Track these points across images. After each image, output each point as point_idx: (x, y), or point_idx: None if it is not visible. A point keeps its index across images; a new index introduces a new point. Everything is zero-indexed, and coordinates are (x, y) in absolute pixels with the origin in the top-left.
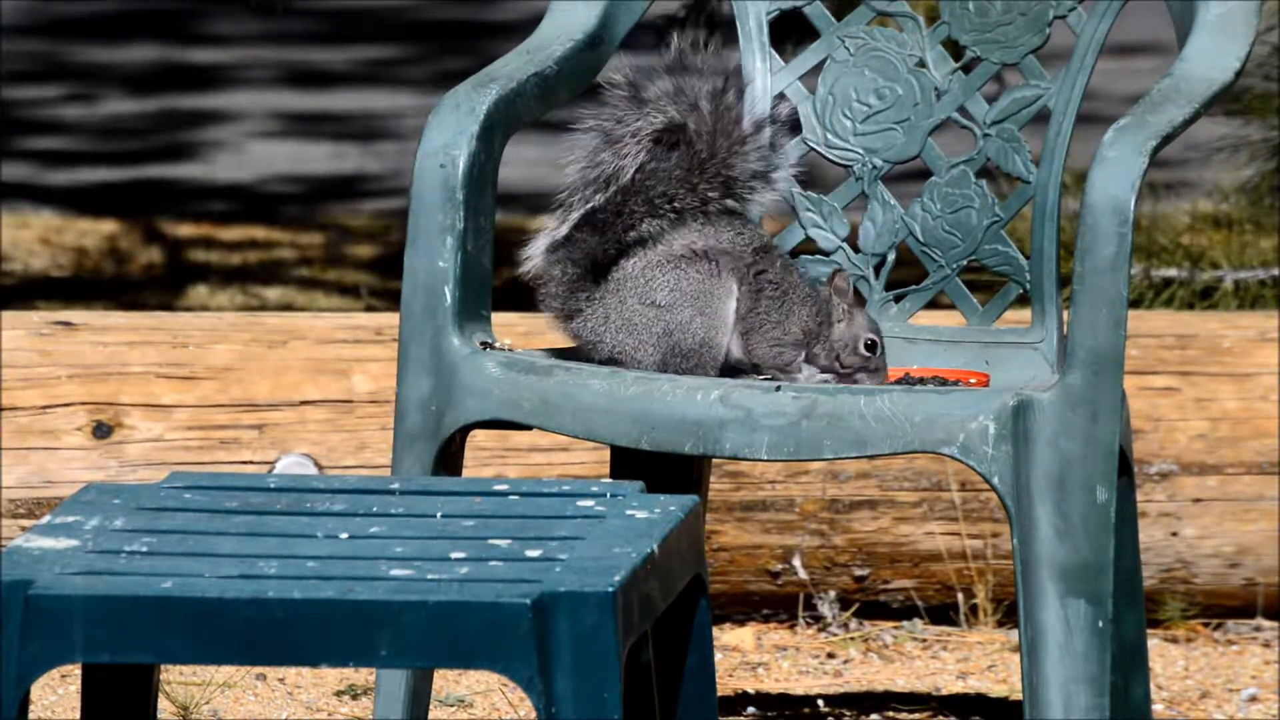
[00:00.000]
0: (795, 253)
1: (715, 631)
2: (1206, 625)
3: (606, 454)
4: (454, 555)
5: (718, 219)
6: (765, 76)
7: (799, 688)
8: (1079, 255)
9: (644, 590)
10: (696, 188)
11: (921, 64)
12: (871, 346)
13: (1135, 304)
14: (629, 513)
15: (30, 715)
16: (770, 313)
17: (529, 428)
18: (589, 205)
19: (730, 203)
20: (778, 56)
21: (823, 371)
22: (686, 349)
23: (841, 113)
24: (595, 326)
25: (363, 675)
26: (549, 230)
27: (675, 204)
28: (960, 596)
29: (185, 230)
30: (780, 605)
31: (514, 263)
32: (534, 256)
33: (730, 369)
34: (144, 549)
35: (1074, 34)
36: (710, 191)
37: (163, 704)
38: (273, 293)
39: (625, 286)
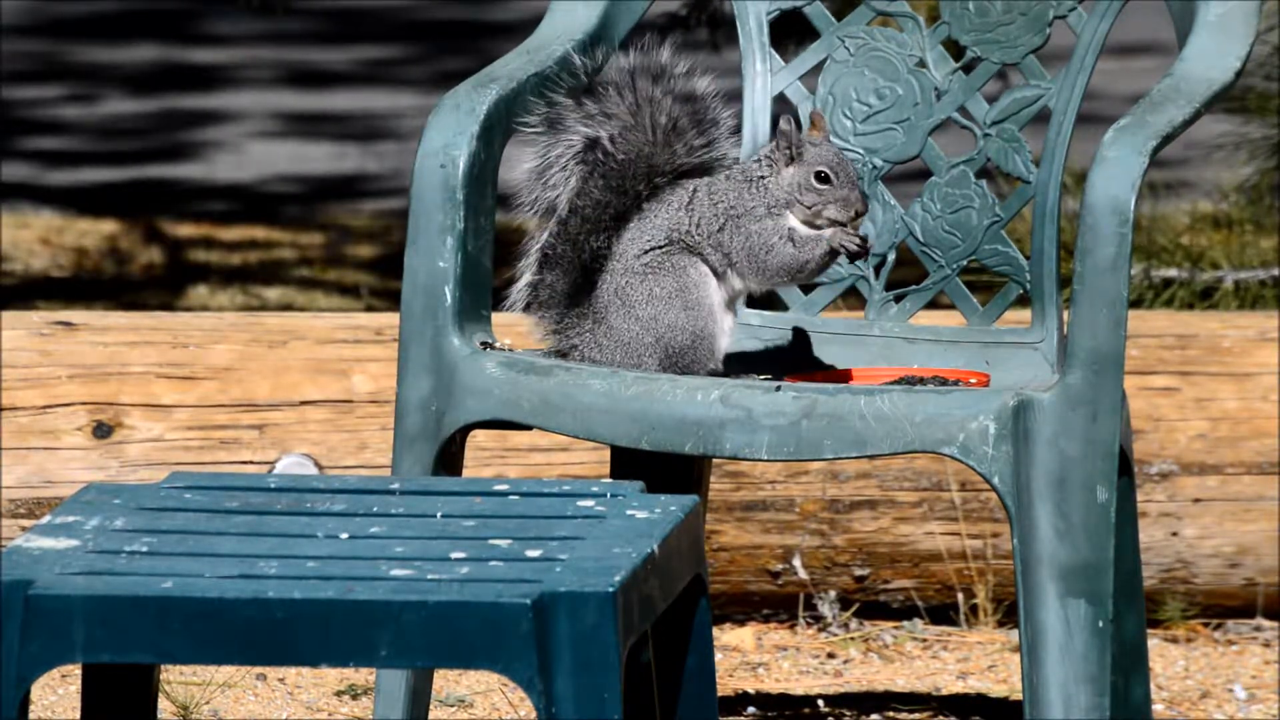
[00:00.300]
0: None
1: (715, 631)
2: (1207, 625)
3: (607, 454)
4: (454, 555)
5: (648, 207)
6: (766, 77)
7: (799, 688)
8: (1079, 255)
9: (644, 590)
10: (626, 190)
11: (922, 64)
12: (823, 178)
13: (1135, 304)
14: (629, 513)
15: (30, 715)
16: (733, 240)
17: (529, 428)
18: (539, 245)
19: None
20: (778, 56)
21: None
22: (680, 347)
23: (842, 113)
24: (593, 356)
25: (363, 675)
26: (518, 284)
27: (610, 210)
28: (960, 596)
29: (185, 230)
30: (780, 605)
31: (514, 263)
32: (519, 310)
33: (729, 368)
34: (144, 549)
35: (1074, 34)
36: (639, 186)
37: (163, 704)
38: (273, 293)
39: (607, 310)
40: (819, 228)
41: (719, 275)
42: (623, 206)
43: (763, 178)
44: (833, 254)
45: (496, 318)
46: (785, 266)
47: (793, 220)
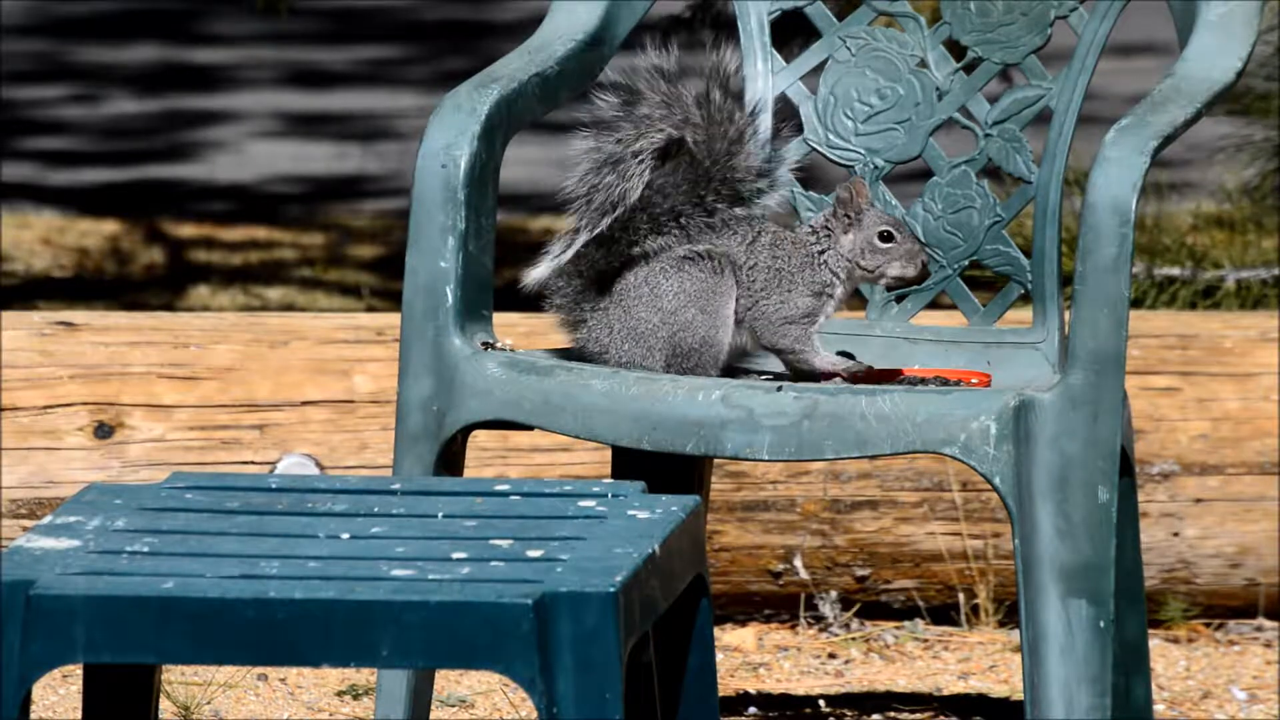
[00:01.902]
0: None
1: (716, 632)
2: (1208, 625)
3: (608, 454)
4: (455, 555)
5: (712, 221)
6: (767, 77)
7: (800, 688)
8: (1080, 255)
9: (645, 590)
10: (704, 200)
11: (923, 64)
12: (887, 237)
13: (1138, 303)
14: (630, 513)
15: (32, 715)
16: (770, 294)
17: (530, 428)
18: (596, 230)
19: (738, 210)
20: (779, 57)
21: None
22: (688, 348)
23: (843, 113)
24: (600, 337)
25: (364, 675)
26: (554, 254)
27: (681, 219)
28: (961, 597)
29: (187, 230)
30: (781, 605)
31: (515, 263)
32: (539, 279)
33: (731, 370)
34: (145, 549)
35: (1075, 34)
36: (717, 202)
37: (164, 704)
38: (274, 293)
39: (629, 296)
40: (889, 288)
41: (738, 319)
42: (692, 216)
43: (821, 252)
44: (828, 376)
45: (497, 317)
46: (776, 338)
47: (819, 324)
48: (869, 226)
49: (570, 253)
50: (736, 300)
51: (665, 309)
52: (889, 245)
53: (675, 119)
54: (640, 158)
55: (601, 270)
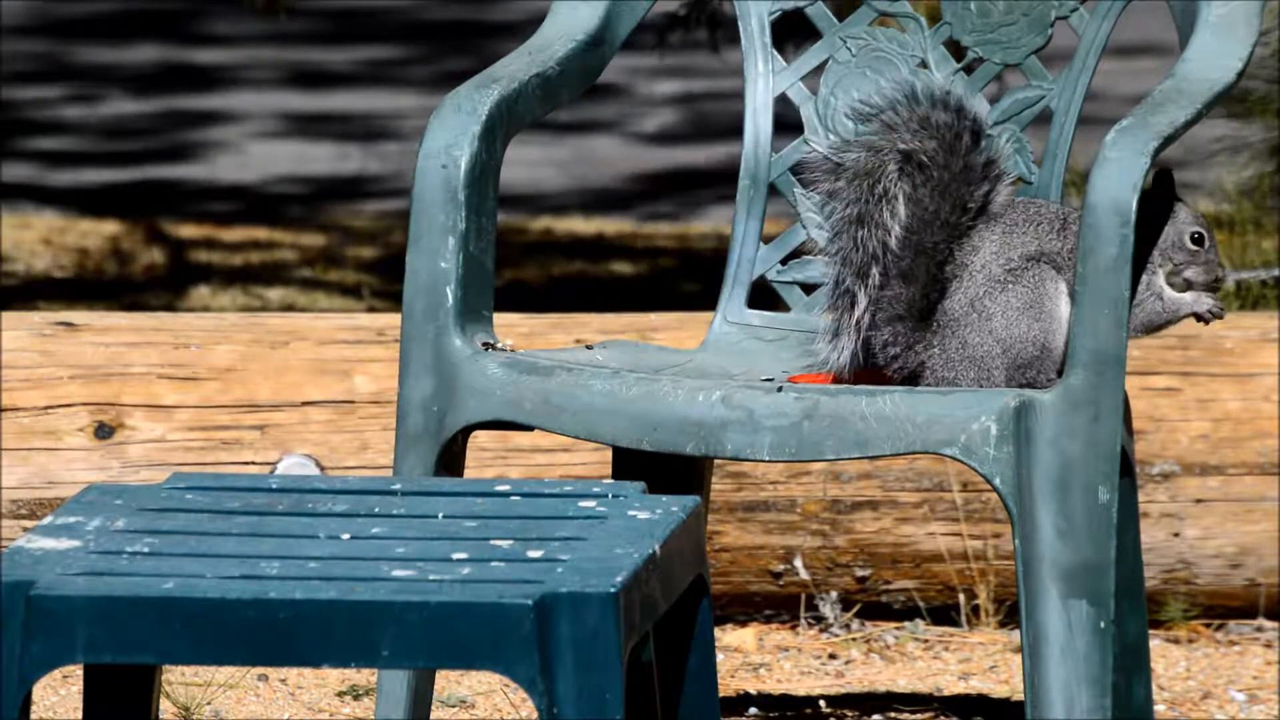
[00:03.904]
0: (798, 253)
1: (717, 632)
2: (1208, 626)
3: (608, 455)
4: (456, 556)
5: (1014, 222)
6: (768, 78)
7: (801, 688)
8: (1081, 256)
9: (646, 591)
10: (957, 197)
11: (923, 65)
12: (1198, 240)
13: None
14: (631, 513)
15: (32, 716)
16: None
17: (531, 428)
18: (881, 289)
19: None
20: (779, 57)
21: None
22: (1027, 359)
23: (843, 114)
24: (944, 374)
25: (365, 676)
26: (844, 336)
27: (940, 218)
28: (962, 597)
29: (187, 231)
30: (782, 606)
31: (515, 263)
32: (845, 362)
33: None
34: (146, 549)
35: (1076, 35)
36: (962, 190)
37: (164, 704)
38: (275, 293)
39: (960, 324)
40: (1172, 285)
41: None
42: (951, 215)
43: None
44: (1186, 318)
45: (498, 317)
46: (1145, 323)
47: (1162, 279)
48: (1182, 223)
49: (860, 324)
50: (1071, 290)
51: (997, 328)
52: (1196, 249)
53: (897, 141)
54: (887, 200)
55: (920, 306)
